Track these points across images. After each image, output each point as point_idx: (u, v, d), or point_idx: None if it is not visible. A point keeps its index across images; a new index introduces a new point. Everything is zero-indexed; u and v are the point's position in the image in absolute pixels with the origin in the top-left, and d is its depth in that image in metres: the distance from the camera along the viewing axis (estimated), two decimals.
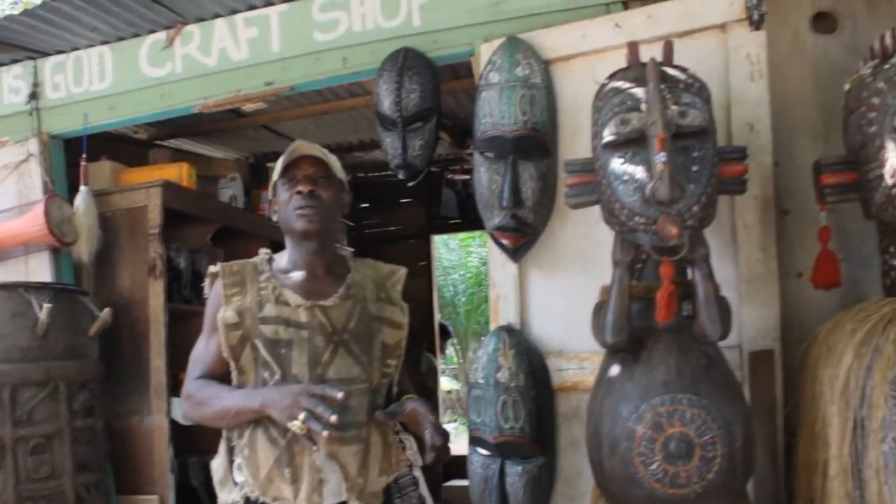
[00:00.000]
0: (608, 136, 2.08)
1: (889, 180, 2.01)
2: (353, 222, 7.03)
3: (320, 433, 1.89)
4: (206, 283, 2.18)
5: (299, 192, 2.08)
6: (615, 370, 2.18)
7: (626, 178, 2.03)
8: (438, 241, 9.91)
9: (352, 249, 2.29)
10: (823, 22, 2.89)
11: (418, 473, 2.23)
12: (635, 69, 2.21)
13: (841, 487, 2.04)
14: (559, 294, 2.78)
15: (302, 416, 1.87)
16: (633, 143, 2.04)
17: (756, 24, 2.62)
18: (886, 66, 2.09)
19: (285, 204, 2.13)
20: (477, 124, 2.81)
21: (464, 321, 12.38)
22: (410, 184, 3.18)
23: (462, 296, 12.55)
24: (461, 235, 11.53)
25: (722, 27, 2.65)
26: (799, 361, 2.39)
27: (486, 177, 2.76)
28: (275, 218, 2.20)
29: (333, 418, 1.87)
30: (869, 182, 2.12)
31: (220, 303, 2.09)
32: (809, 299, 2.61)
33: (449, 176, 6.58)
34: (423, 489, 2.24)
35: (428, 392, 5.41)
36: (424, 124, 3.06)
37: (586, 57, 2.78)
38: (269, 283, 2.11)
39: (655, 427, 2.04)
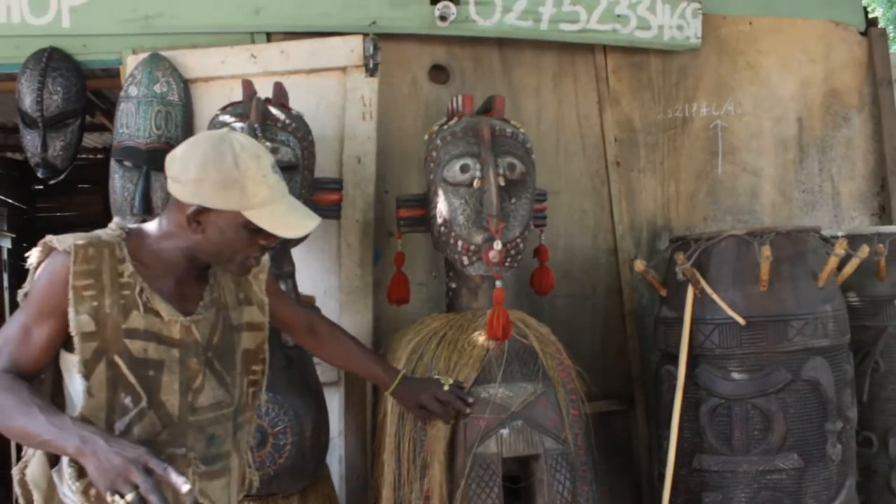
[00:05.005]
0: None
1: (438, 220, 2.48)
2: (25, 205, 6.74)
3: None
4: (36, 253, 1.65)
5: None
6: None
7: None
8: None
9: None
10: (439, 73, 3.41)
11: None
12: (244, 104, 2.51)
13: (388, 467, 2.49)
14: None
15: (129, 496, 1.37)
16: None
17: (371, 72, 3.03)
18: (445, 126, 2.58)
19: None
20: (115, 133, 2.96)
21: None
22: (52, 182, 3.25)
23: None
24: None
25: (343, 70, 3.04)
26: None
27: (119, 183, 2.92)
28: None
29: None
30: (431, 219, 2.59)
31: (65, 294, 1.57)
32: (406, 311, 3.05)
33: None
34: None
35: None
36: (67, 126, 3.14)
37: (224, 81, 3.03)
38: (134, 281, 1.63)
39: None
